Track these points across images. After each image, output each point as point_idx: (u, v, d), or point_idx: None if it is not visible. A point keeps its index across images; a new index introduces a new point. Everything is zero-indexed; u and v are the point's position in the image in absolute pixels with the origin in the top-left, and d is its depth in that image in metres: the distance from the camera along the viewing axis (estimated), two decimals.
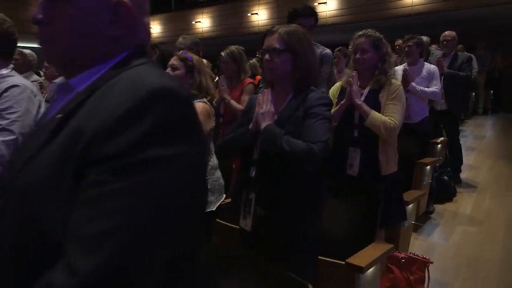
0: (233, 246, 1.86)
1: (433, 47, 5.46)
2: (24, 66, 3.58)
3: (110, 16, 0.74)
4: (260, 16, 10.71)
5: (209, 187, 2.11)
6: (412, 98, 3.67)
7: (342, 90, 2.45)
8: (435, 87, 3.78)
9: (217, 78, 3.80)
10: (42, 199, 0.64)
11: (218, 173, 2.20)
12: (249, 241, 1.67)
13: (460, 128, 5.84)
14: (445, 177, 4.27)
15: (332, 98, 2.48)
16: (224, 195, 2.27)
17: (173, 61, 2.12)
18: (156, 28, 13.20)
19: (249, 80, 3.17)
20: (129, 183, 0.59)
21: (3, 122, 1.56)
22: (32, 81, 2.68)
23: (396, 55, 5.76)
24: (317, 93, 1.64)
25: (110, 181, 0.59)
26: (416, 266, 2.32)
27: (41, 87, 3.92)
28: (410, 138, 3.31)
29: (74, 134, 0.64)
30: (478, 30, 9.49)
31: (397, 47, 5.93)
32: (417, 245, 3.23)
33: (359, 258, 1.82)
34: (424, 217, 3.78)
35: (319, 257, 1.77)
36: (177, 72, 2.09)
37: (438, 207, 4.06)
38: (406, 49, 3.92)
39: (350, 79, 2.32)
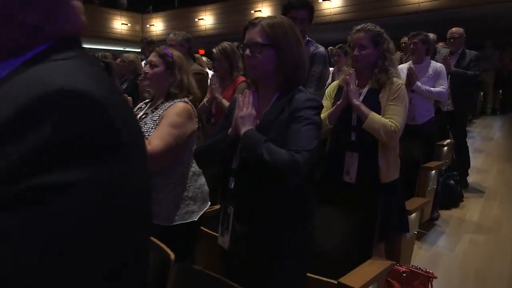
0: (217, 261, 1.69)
1: (440, 44, 5.27)
2: None
3: None
4: (263, 13, 10.69)
5: (190, 195, 1.92)
6: (417, 98, 3.50)
7: (340, 90, 2.24)
8: (441, 86, 3.57)
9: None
10: None
11: (202, 180, 2.01)
12: (228, 261, 1.49)
13: (468, 129, 5.68)
14: (452, 181, 4.08)
15: (329, 98, 2.28)
16: (209, 203, 2.09)
17: (152, 57, 1.93)
18: (159, 26, 13.45)
19: (242, 78, 2.99)
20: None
21: None
22: None
23: (401, 53, 5.58)
24: (305, 94, 1.43)
25: None
26: (418, 281, 2.17)
27: None
28: (414, 141, 3.17)
29: None
30: (484, 28, 9.30)
31: (403, 44, 5.73)
32: (421, 255, 3.07)
33: (353, 277, 1.67)
34: (428, 224, 3.59)
35: (309, 274, 1.60)
36: (156, 69, 1.91)
37: (443, 213, 3.87)
38: (411, 46, 3.72)
39: (347, 77, 2.12)
